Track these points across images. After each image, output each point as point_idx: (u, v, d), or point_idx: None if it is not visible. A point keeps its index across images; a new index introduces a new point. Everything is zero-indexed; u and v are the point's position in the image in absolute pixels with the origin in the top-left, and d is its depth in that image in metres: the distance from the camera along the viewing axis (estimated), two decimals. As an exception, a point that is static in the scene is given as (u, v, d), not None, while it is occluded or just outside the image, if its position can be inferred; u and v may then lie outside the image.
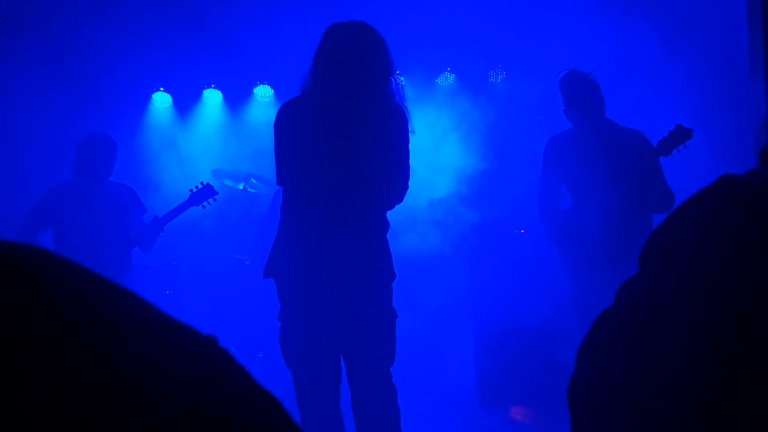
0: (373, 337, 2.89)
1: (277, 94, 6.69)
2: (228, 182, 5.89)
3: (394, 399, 2.95)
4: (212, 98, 6.79)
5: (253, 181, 5.90)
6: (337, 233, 2.83)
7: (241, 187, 5.93)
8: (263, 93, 6.73)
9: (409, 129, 2.93)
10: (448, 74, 6.42)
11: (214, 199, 4.73)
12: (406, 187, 2.94)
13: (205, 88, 6.74)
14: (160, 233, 4.60)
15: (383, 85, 2.85)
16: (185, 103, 6.77)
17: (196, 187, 4.67)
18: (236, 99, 6.79)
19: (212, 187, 4.70)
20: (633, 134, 3.98)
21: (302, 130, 2.82)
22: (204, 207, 4.72)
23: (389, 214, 3.01)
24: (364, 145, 2.82)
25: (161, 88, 6.69)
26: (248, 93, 6.78)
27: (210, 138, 6.68)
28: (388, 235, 3.00)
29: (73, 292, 0.50)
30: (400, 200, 2.95)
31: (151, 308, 0.51)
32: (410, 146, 2.96)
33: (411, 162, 2.98)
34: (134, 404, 0.45)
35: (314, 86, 2.86)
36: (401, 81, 3.09)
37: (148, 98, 6.71)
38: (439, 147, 5.61)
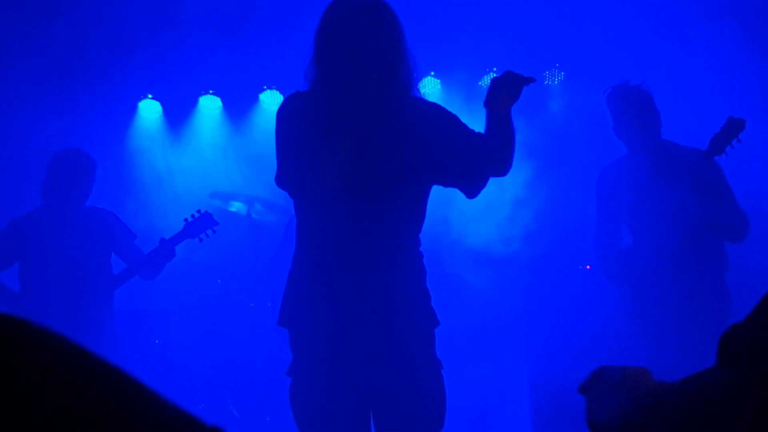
0: (416, 398, 2.62)
1: (286, 101, 6.45)
2: (228, 207, 5.74)
3: None
4: (210, 106, 6.64)
5: (259, 206, 5.67)
6: (360, 263, 2.59)
7: (244, 213, 5.72)
8: (270, 100, 6.54)
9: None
10: (494, 75, 6.13)
11: (214, 231, 4.50)
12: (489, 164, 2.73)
13: (201, 95, 6.58)
14: (172, 257, 4.38)
15: (400, 71, 2.65)
16: (178, 113, 6.62)
17: (192, 215, 4.44)
18: (238, 107, 6.65)
19: (212, 216, 4.47)
20: (694, 154, 3.78)
21: (310, 126, 2.64)
22: (201, 240, 4.49)
23: (428, 241, 2.75)
24: (390, 143, 2.60)
25: (149, 96, 6.53)
26: (253, 100, 6.61)
27: (207, 154, 6.56)
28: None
29: (58, 378, 0.52)
30: (486, 179, 2.76)
31: (148, 392, 0.52)
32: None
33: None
34: None
35: (320, 77, 2.67)
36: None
37: (134, 107, 6.56)
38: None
